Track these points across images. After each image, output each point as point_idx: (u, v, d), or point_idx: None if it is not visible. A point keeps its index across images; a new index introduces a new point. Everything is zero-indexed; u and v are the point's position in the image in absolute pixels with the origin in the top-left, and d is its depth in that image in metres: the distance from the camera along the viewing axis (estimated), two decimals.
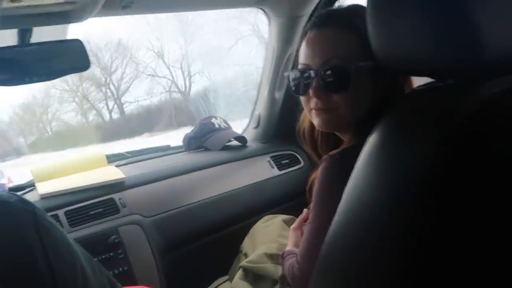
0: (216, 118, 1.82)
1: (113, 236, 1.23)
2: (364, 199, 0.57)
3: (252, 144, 1.80)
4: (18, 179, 1.56)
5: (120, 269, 1.23)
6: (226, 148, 1.72)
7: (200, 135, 1.76)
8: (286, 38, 1.64)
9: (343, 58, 0.83)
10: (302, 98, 0.91)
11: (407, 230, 0.50)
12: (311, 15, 1.59)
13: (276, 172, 1.68)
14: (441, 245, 0.46)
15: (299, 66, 0.90)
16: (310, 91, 0.87)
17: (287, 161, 1.75)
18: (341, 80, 0.84)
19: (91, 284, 0.50)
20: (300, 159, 1.78)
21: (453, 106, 0.54)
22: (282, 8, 1.57)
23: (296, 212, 1.37)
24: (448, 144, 0.50)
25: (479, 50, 0.51)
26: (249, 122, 1.93)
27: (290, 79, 0.92)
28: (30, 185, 1.40)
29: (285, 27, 1.62)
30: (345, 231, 0.59)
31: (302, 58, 0.90)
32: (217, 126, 1.78)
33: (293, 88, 0.92)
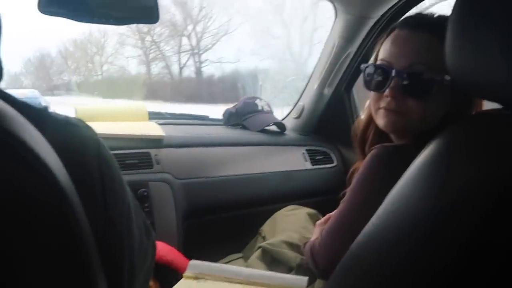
0: (260, 99, 1.83)
1: (143, 189, 1.26)
2: (407, 207, 0.57)
3: (290, 133, 1.80)
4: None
5: None
6: (264, 131, 1.72)
7: (242, 113, 1.77)
8: (349, 36, 1.62)
9: (429, 66, 0.81)
10: (373, 95, 0.89)
11: (441, 250, 0.49)
12: (379, 19, 1.56)
13: (308, 165, 1.68)
14: (478, 275, 0.46)
15: (378, 62, 0.88)
16: (387, 90, 0.84)
17: (321, 157, 1.74)
18: (422, 88, 0.82)
19: (132, 224, 0.51)
20: (334, 158, 1.77)
21: None
22: (352, 5, 1.54)
23: (319, 209, 1.37)
24: (508, 172, 0.49)
25: None
26: (291, 111, 1.93)
27: (366, 72, 0.89)
28: None
29: (351, 25, 1.59)
30: (380, 234, 0.59)
31: (384, 55, 0.87)
32: (260, 108, 1.78)
33: (366, 82, 0.90)
